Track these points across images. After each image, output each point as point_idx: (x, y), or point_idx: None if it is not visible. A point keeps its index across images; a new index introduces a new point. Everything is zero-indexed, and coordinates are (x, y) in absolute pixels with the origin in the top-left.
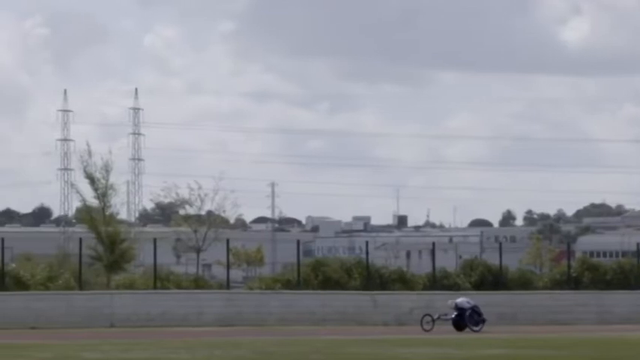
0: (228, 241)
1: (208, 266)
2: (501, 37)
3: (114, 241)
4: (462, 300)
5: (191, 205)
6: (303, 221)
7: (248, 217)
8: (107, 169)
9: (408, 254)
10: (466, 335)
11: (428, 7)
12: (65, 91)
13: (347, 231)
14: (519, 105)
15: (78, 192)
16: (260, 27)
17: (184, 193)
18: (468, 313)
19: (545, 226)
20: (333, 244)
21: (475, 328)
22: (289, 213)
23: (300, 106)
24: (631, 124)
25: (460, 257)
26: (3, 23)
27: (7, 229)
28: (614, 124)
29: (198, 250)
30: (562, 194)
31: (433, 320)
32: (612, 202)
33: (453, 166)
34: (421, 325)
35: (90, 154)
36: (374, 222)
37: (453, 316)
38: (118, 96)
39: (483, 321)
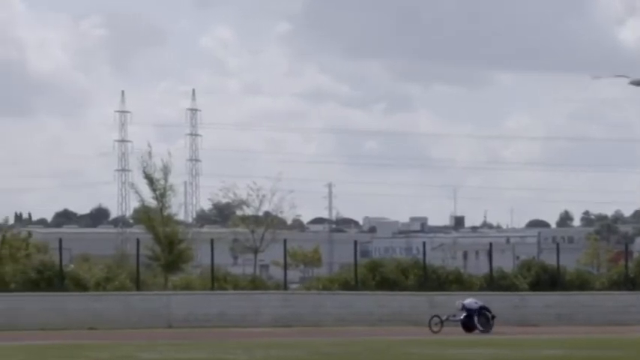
0: (285, 241)
1: (266, 267)
2: (558, 37)
3: (172, 242)
4: (469, 301)
5: (248, 206)
6: (361, 222)
7: (305, 218)
8: (166, 170)
9: (465, 255)
10: (522, 336)
11: (484, 7)
12: (123, 92)
13: (404, 232)
14: (576, 105)
15: (137, 192)
16: (316, 28)
17: (242, 193)
18: (476, 314)
19: (603, 227)
20: (390, 244)
21: (483, 329)
22: (346, 214)
23: (356, 106)
24: None
25: (517, 258)
26: (61, 24)
27: (65, 230)
28: None
29: (255, 251)
30: (620, 195)
31: (442, 321)
32: None
33: (510, 166)
34: (429, 326)
35: (150, 154)
36: (431, 223)
37: (462, 317)
38: (174, 97)
39: (492, 317)
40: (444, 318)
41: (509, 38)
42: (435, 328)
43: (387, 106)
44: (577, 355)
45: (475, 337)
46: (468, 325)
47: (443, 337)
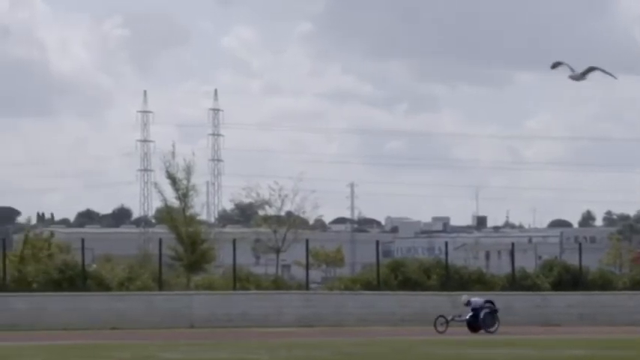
0: (307, 241)
1: (288, 267)
2: (581, 36)
3: (194, 242)
4: (476, 299)
5: (271, 206)
6: (383, 222)
7: (327, 218)
8: (189, 170)
9: (488, 255)
10: (544, 336)
11: (507, 7)
12: (145, 92)
13: (426, 232)
14: (599, 105)
15: (159, 192)
16: (338, 28)
17: (265, 193)
18: (482, 314)
19: (625, 227)
20: (412, 244)
21: (490, 330)
22: (368, 214)
23: (379, 106)
24: None
25: (539, 258)
26: (83, 24)
27: (88, 230)
28: None
29: (277, 251)
30: None
31: (447, 322)
32: None
33: (533, 166)
34: (434, 326)
35: (173, 154)
36: (453, 223)
37: (468, 317)
38: (197, 97)
39: (495, 310)
40: (449, 318)
41: (531, 38)
42: (441, 328)
43: (410, 106)
44: (600, 355)
45: (496, 337)
46: (473, 325)
47: (465, 338)
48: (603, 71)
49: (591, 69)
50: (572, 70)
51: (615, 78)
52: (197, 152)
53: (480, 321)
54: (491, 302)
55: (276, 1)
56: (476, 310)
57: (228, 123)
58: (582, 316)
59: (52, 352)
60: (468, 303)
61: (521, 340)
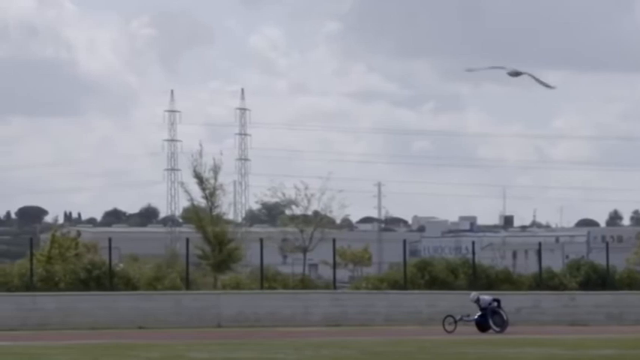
0: (334, 241)
1: (315, 266)
2: (606, 36)
3: (221, 241)
4: (484, 297)
5: (297, 205)
6: (410, 221)
7: (354, 217)
8: (216, 169)
9: (515, 254)
10: (572, 335)
11: (534, 6)
12: (172, 91)
13: (453, 231)
14: (625, 104)
15: (186, 192)
16: (365, 27)
17: (291, 193)
18: (490, 314)
19: None
20: (439, 244)
21: (498, 329)
22: (395, 213)
23: (405, 106)
24: None
25: (567, 257)
26: (110, 24)
27: (115, 229)
28: None
29: (304, 250)
30: None
31: (455, 321)
32: None
33: (559, 165)
34: (443, 326)
35: (201, 154)
36: (480, 222)
37: (476, 316)
38: (224, 96)
39: (505, 320)
40: (457, 318)
41: (558, 37)
42: (449, 328)
43: (436, 105)
44: (627, 355)
45: (524, 336)
46: (482, 325)
47: (492, 337)
48: (538, 81)
49: (522, 73)
50: (537, 79)
51: (552, 87)
52: (224, 152)
53: (489, 321)
54: (498, 301)
55: (303, 1)
56: (484, 310)
57: (255, 122)
58: (610, 316)
59: (80, 351)
60: (477, 300)
61: (549, 340)
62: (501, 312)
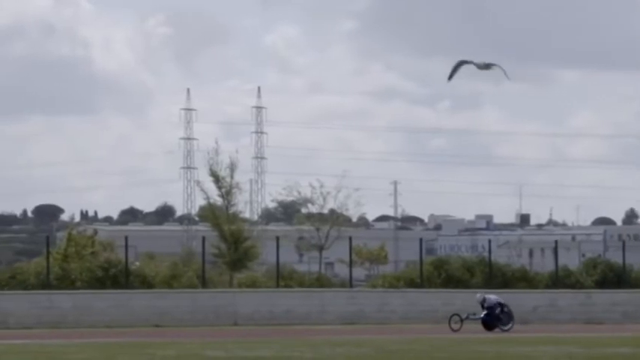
0: (350, 239)
1: (331, 264)
2: (624, 34)
3: (237, 240)
4: (491, 297)
5: (313, 204)
6: (426, 219)
7: (371, 216)
8: (232, 167)
9: (531, 252)
10: (588, 333)
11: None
12: (188, 90)
13: (469, 229)
14: None
15: (202, 190)
16: (382, 26)
17: (306, 191)
18: (497, 312)
19: None
20: (455, 242)
21: (505, 328)
22: (412, 211)
23: (423, 104)
24: None
25: (583, 256)
26: (126, 23)
27: (131, 227)
28: None
29: (320, 249)
30: None
31: (461, 320)
32: None
33: (576, 164)
34: (449, 324)
35: (217, 152)
36: (496, 220)
37: (482, 315)
38: (240, 95)
39: (511, 318)
40: (463, 316)
41: (575, 36)
42: (455, 327)
43: (453, 103)
44: None
45: (540, 334)
46: (488, 324)
47: (508, 335)
48: (505, 73)
49: (492, 65)
50: (504, 72)
51: (508, 79)
52: (240, 150)
53: (495, 319)
54: (503, 305)
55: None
56: (490, 309)
57: (271, 121)
58: (626, 314)
59: (96, 349)
60: (484, 301)
61: (566, 338)
62: (508, 310)
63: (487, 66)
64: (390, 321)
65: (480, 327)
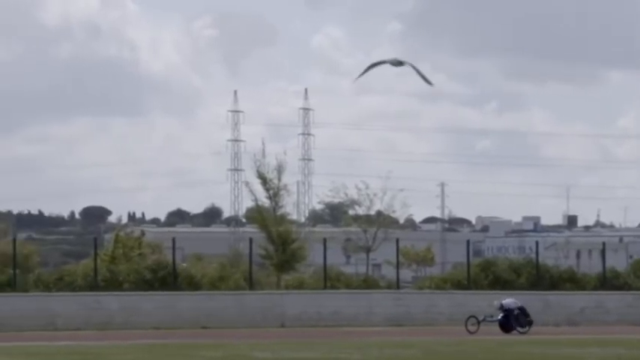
0: (397, 240)
1: (378, 266)
2: None
3: (285, 241)
4: (508, 301)
5: (360, 205)
6: (473, 221)
7: (418, 217)
8: (280, 169)
9: (578, 254)
10: (636, 335)
11: (597, 6)
12: (235, 91)
13: (517, 231)
14: None
15: (251, 191)
16: (428, 27)
17: (352, 193)
18: (514, 314)
19: None
20: (502, 244)
21: (522, 330)
22: (459, 213)
23: (469, 105)
24: None
25: (631, 257)
26: (173, 25)
27: (179, 229)
28: None
29: (367, 250)
30: None
31: (478, 322)
32: None
33: (624, 165)
34: (466, 326)
35: (264, 154)
36: (544, 222)
37: (500, 317)
38: (287, 96)
39: (530, 322)
40: (480, 319)
41: (622, 36)
42: (472, 329)
43: (500, 104)
44: None
45: (589, 336)
46: (505, 326)
47: (555, 337)
48: (419, 73)
49: (404, 63)
50: (418, 71)
51: (431, 84)
52: (287, 152)
53: (512, 322)
54: (525, 312)
55: (366, 1)
56: (508, 311)
57: (318, 122)
58: None
59: (144, 351)
60: (501, 307)
61: (613, 340)
62: (526, 312)
63: (399, 63)
64: (437, 322)
65: (497, 329)
